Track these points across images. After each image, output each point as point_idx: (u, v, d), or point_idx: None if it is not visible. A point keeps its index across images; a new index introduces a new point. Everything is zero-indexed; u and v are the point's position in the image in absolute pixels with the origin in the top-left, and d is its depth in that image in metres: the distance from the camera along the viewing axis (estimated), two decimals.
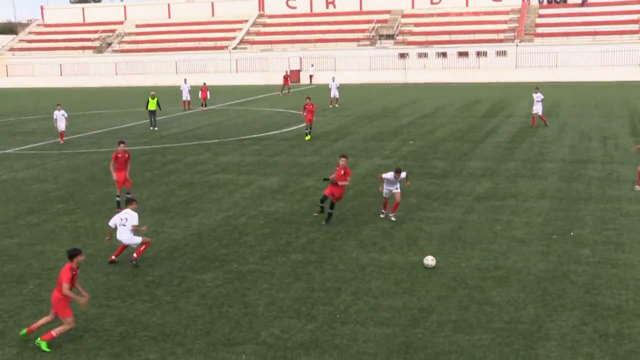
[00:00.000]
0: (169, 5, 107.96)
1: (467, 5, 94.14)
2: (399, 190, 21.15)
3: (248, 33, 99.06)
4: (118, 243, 17.84)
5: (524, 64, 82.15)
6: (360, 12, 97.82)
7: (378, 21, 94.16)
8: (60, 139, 39.83)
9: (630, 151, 31.45)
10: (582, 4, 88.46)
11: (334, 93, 56.74)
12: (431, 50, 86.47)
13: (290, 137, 39.54)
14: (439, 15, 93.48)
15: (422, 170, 28.85)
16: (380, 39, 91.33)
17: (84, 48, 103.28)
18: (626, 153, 31.14)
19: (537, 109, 40.25)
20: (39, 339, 13.09)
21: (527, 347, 12.58)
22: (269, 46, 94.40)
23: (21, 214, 23.52)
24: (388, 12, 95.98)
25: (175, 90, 73.02)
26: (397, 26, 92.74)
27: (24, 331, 13.42)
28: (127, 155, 23.55)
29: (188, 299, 15.46)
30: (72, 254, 13.38)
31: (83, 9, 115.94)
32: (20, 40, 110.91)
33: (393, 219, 20.95)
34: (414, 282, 16.05)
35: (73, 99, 73.73)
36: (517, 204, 22.83)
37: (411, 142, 36.49)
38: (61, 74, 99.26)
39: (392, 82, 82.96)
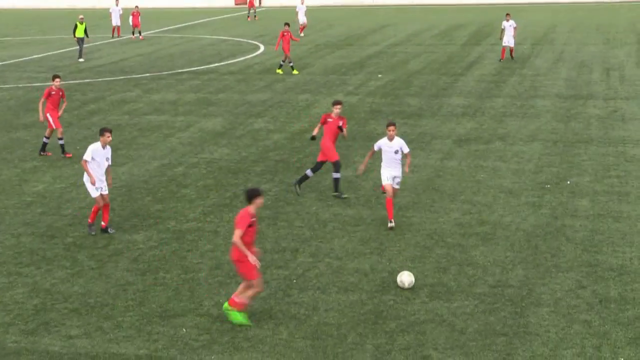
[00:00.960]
0: None
1: None
2: (398, 184, 17.38)
3: None
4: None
5: None
6: None
7: None
8: None
9: (637, 84, 31.81)
10: None
11: (302, 19, 55.46)
12: None
13: (237, 71, 39.27)
14: None
15: (393, 108, 28.91)
16: None
17: None
18: (632, 86, 31.49)
19: (509, 40, 39.18)
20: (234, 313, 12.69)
21: (515, 314, 12.80)
22: None
23: None
24: None
25: (102, 14, 71.84)
26: None
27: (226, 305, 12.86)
28: (61, 93, 23.37)
29: (116, 263, 15.41)
30: (252, 195, 12.53)
31: None
32: None
33: (391, 225, 16.87)
34: (384, 240, 16.18)
35: None
36: (505, 148, 23.02)
37: (380, 75, 36.46)
38: None
39: (358, 4, 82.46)
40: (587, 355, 11.51)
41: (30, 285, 14.52)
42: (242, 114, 28.81)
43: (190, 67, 40.80)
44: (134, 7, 57.92)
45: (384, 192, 17.12)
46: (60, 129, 23.52)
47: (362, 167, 18.04)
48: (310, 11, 62.17)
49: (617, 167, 20.88)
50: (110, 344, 12.23)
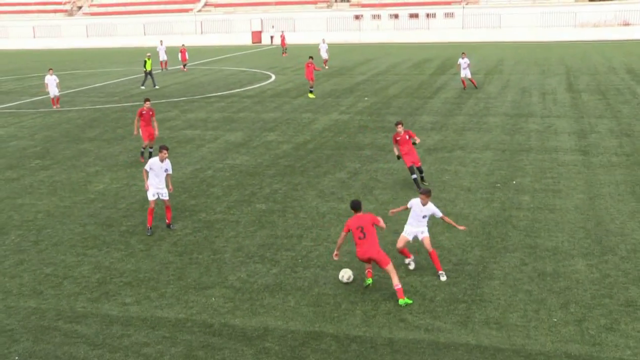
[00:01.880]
0: None
1: None
2: (427, 234, 13.61)
3: None
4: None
5: (470, 25, 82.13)
6: None
7: None
8: (53, 105, 36.06)
9: (566, 105, 31.82)
10: None
11: (324, 55, 53.61)
12: (384, 12, 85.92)
13: (253, 95, 39.21)
14: None
15: (376, 124, 28.88)
16: (336, 1, 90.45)
17: (55, 11, 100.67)
18: (563, 107, 31.48)
19: (466, 73, 38.20)
20: (401, 300, 12.15)
21: (473, 286, 12.81)
22: (231, 8, 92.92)
23: (0, 170, 23.11)
24: None
25: (145, 51, 71.72)
26: None
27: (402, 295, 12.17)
28: (151, 112, 23.08)
29: (160, 246, 15.41)
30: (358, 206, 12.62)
31: None
32: None
33: (443, 278, 13.22)
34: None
35: (46, 60, 72.11)
36: (464, 155, 23.01)
37: (366, 98, 36.42)
38: (34, 36, 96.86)
39: (348, 42, 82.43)
40: (528, 317, 11.53)
41: (94, 263, 14.52)
42: (258, 129, 28.78)
43: (217, 92, 40.75)
44: (181, 45, 57.56)
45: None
46: (146, 143, 23.25)
47: (393, 211, 14.55)
48: (309, 48, 62.12)
49: (551, 170, 20.87)
50: (155, 310, 12.23)
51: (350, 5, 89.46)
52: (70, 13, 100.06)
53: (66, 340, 11.23)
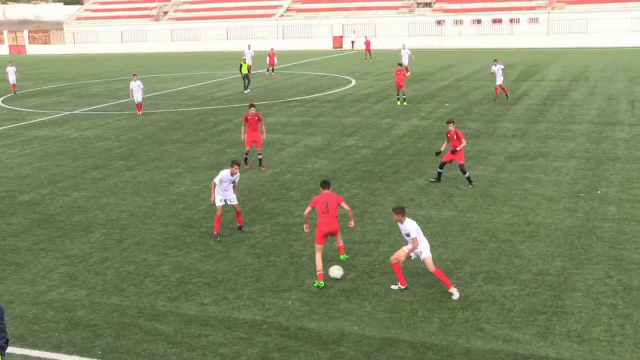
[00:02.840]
0: None
1: None
2: (427, 254, 12.83)
3: (294, 1, 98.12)
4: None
5: (555, 30, 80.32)
6: None
7: None
8: (138, 111, 35.90)
9: None
10: None
11: (405, 61, 51.66)
12: (466, 18, 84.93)
13: (333, 99, 39.34)
14: None
15: None
16: (418, 6, 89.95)
17: (142, 16, 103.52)
18: None
19: (499, 80, 36.52)
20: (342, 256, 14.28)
21: (554, 297, 12.49)
22: (313, 14, 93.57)
23: (87, 169, 23.89)
24: None
25: (227, 55, 73.08)
26: None
27: None
28: (256, 118, 22.87)
29: (239, 248, 15.61)
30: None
31: None
32: (86, 10, 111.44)
33: (455, 296, 12.57)
34: (448, 235, 16.00)
35: (132, 63, 74.30)
36: (547, 164, 22.50)
37: (447, 104, 36.05)
38: (122, 41, 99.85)
39: (429, 48, 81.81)
40: (612, 332, 11.16)
41: (174, 263, 14.83)
42: (337, 134, 28.85)
43: (297, 97, 41.07)
44: (269, 49, 57.92)
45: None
46: (248, 147, 22.96)
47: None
48: (390, 53, 61.91)
49: (639, 180, 20.18)
50: (232, 311, 12.39)
51: (432, 10, 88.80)
52: (156, 18, 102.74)
53: (146, 338, 11.50)
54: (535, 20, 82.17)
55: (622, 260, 14.16)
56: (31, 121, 35.42)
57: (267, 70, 55.65)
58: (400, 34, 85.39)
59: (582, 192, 19.14)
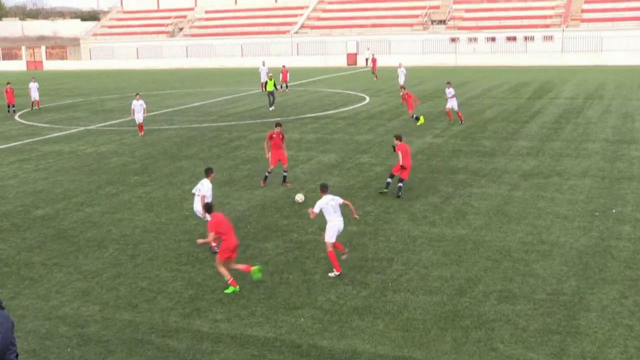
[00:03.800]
0: None
1: None
2: (328, 238, 15.01)
3: (308, 18, 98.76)
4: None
5: (570, 48, 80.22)
6: None
7: (431, 7, 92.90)
8: (140, 131, 34.78)
9: None
10: None
11: (402, 80, 51.92)
12: (481, 35, 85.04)
13: (347, 117, 39.37)
14: (488, 1, 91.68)
15: (471, 148, 28.48)
16: (432, 24, 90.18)
17: (158, 33, 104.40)
18: None
19: (452, 103, 35.65)
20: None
21: (568, 317, 12.38)
22: (327, 31, 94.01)
23: (102, 185, 24.00)
24: None
25: (242, 72, 73.44)
26: (449, 12, 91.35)
27: None
28: (281, 136, 22.80)
29: (252, 265, 15.58)
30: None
31: None
32: (102, 26, 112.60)
33: (333, 274, 14.76)
34: (462, 254, 15.92)
35: (148, 79, 74.80)
36: (561, 182, 22.38)
37: (461, 122, 35.99)
38: (138, 57, 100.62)
39: (443, 65, 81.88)
40: (629, 354, 11.03)
41: (187, 280, 14.83)
42: (351, 151, 28.85)
43: (311, 114, 41.15)
44: (282, 66, 58.25)
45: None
46: (272, 166, 22.78)
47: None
48: (407, 70, 61.79)
49: None
50: (245, 328, 12.35)
51: (447, 27, 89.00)
52: (171, 34, 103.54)
53: (158, 354, 11.48)
54: (549, 38, 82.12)
55: (638, 280, 14.01)
56: (47, 136, 35.68)
57: (281, 87, 55.86)
58: (415, 51, 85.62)
59: (597, 211, 19.00)
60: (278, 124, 22.99)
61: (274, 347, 11.60)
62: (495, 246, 16.37)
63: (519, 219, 18.48)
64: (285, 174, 23.25)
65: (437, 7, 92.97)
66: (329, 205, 14.93)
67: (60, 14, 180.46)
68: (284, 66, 58.05)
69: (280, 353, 11.39)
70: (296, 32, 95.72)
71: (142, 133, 34.83)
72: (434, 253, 16.00)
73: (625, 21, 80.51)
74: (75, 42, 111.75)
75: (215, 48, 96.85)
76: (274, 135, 22.64)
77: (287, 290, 14.08)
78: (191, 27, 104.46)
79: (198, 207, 17.15)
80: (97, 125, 38.97)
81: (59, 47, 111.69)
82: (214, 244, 15.90)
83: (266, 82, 45.03)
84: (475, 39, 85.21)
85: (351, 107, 43.62)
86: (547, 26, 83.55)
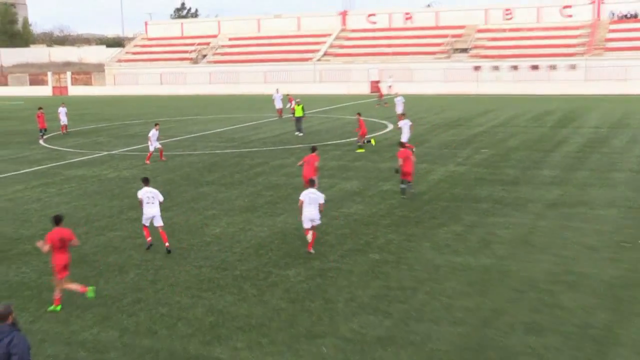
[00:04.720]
0: (259, 20, 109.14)
1: (538, 21, 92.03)
2: (305, 224, 18.68)
3: (331, 46, 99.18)
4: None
5: (594, 77, 79.76)
6: (437, 27, 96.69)
7: (453, 36, 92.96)
8: (146, 160, 34.24)
9: None
10: None
11: (400, 109, 50.45)
12: (503, 64, 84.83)
13: (369, 144, 39.20)
14: (511, 30, 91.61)
15: (494, 177, 28.20)
16: (455, 52, 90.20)
17: (181, 59, 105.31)
18: None
19: (405, 137, 34.04)
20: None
21: (598, 352, 12.04)
22: (350, 58, 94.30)
23: (124, 209, 24.00)
24: (463, 27, 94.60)
25: (264, 99, 73.79)
26: (471, 40, 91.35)
27: None
28: (314, 161, 23.65)
29: (273, 292, 15.42)
30: None
31: (182, 24, 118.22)
32: (127, 52, 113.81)
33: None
34: (487, 283, 15.63)
35: (171, 105, 75.32)
36: (587, 212, 22.04)
37: (483, 150, 35.76)
38: (161, 83, 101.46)
39: (466, 94, 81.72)
40: None
41: (207, 306, 14.67)
42: (374, 178, 28.69)
43: (334, 140, 41.10)
44: (286, 94, 58.62)
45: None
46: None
47: None
48: (426, 98, 61.77)
49: None
50: (266, 356, 12.16)
51: (469, 56, 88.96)
52: (195, 61, 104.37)
53: None
54: (573, 67, 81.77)
55: None
56: (70, 160, 35.89)
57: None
58: (437, 80, 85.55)
59: (626, 242, 18.64)
60: (314, 149, 24.68)
61: None
62: (520, 276, 16.07)
63: (545, 248, 18.17)
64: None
65: (460, 36, 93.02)
66: (307, 196, 17.96)
67: (86, 40, 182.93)
68: (287, 94, 58.20)
69: None
70: (319, 60, 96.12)
71: (149, 162, 34.27)
72: (458, 283, 15.73)
73: None
74: (100, 68, 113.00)
75: (238, 75, 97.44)
76: (308, 160, 24.00)
77: (308, 318, 13.87)
78: (214, 53, 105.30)
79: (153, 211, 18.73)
80: (120, 150, 39.16)
81: (84, 72, 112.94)
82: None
83: (282, 109, 45.17)
84: (498, 68, 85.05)
85: (374, 135, 43.51)
86: (570, 55, 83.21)
